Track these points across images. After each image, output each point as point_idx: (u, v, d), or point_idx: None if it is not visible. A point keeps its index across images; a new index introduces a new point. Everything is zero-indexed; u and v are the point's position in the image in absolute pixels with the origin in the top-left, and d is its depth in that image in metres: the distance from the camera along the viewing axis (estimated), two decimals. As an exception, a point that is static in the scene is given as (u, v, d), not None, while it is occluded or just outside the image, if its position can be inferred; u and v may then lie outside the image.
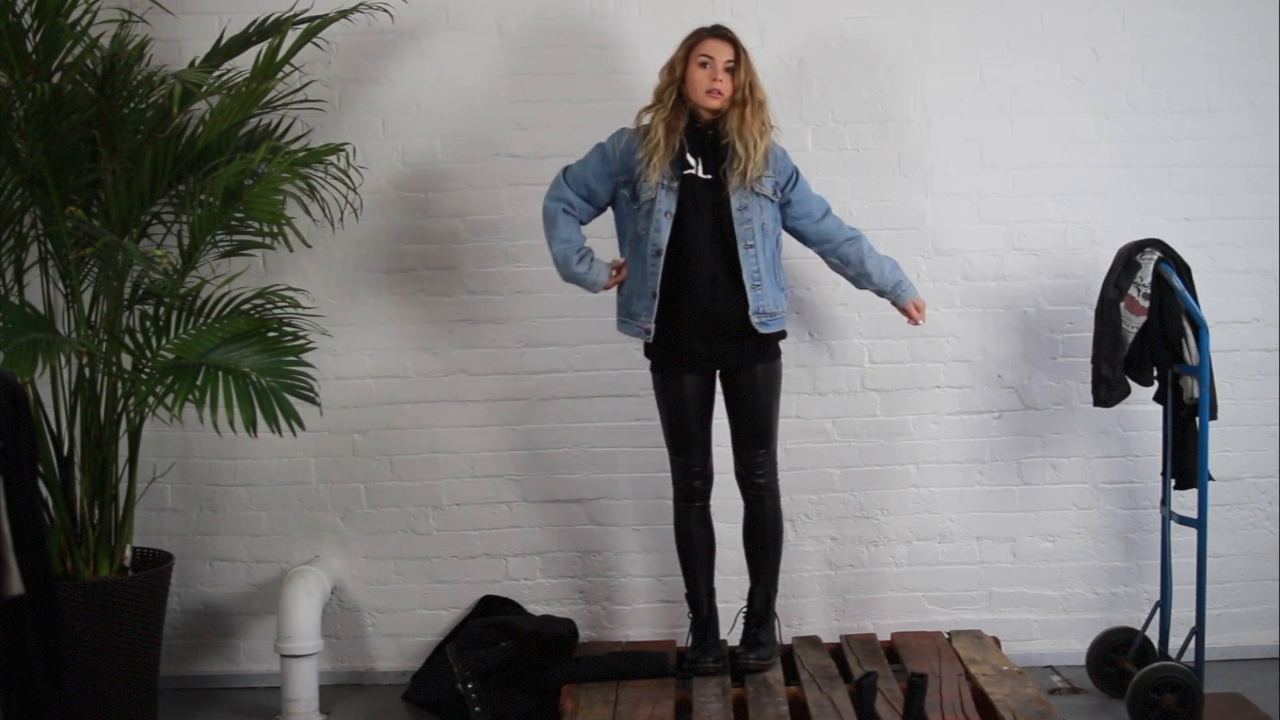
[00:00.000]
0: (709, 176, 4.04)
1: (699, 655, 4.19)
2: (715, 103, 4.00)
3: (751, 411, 4.10)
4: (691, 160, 4.04)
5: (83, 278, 4.20)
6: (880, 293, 4.23)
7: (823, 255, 4.24)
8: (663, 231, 4.01)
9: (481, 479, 4.71)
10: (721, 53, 4.01)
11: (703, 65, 4.01)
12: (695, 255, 4.01)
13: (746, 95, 4.01)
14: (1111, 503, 4.73)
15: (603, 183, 4.13)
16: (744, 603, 4.28)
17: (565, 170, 4.18)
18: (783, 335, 4.16)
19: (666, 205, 4.02)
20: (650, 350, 4.17)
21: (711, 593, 4.29)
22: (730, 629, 4.35)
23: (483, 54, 4.64)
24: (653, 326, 4.06)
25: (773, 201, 4.09)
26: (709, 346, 4.06)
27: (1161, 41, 4.65)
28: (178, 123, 4.11)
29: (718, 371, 4.15)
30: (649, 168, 4.01)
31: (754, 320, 4.03)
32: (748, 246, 4.03)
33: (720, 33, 4.06)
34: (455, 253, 4.68)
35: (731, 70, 4.01)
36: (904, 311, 4.23)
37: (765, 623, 4.23)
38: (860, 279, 4.23)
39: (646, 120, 4.08)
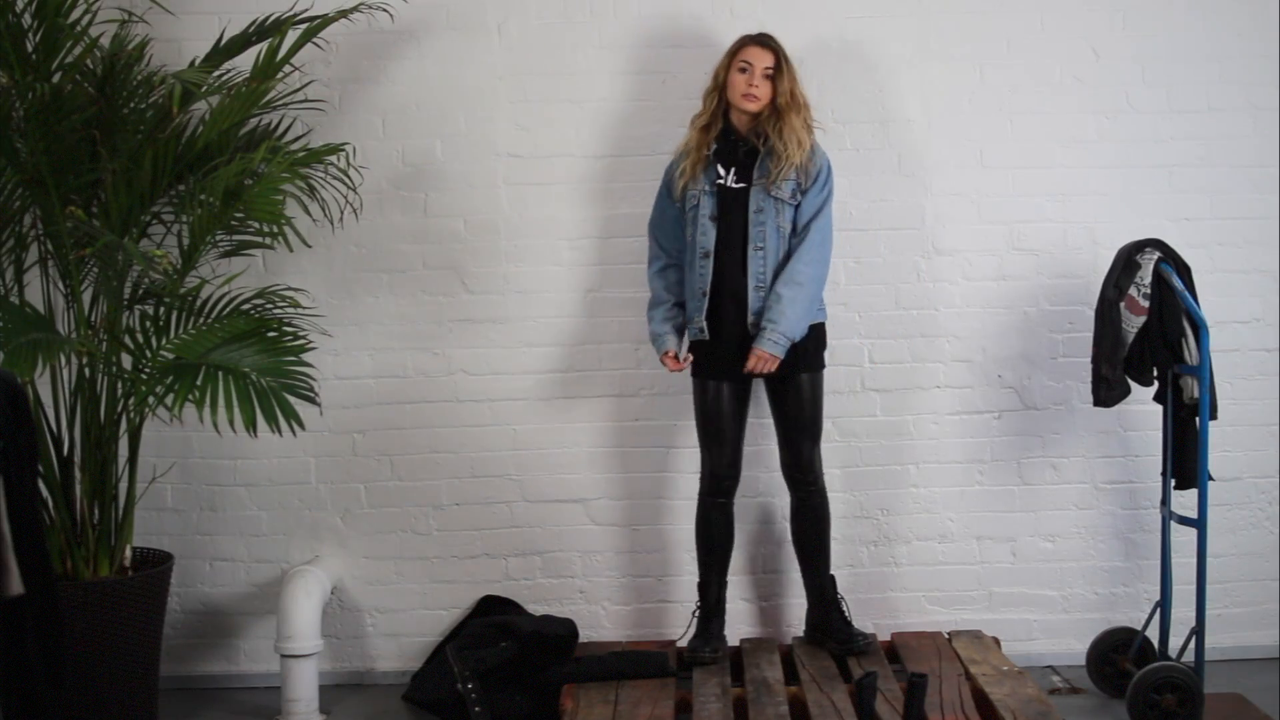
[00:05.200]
0: (740, 185, 4.19)
1: (699, 644, 4.30)
2: (751, 106, 4.18)
3: (796, 413, 4.26)
4: (721, 170, 4.20)
5: (83, 278, 4.20)
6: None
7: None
8: (709, 235, 4.19)
9: (481, 479, 4.71)
10: (761, 59, 4.18)
11: (742, 70, 4.19)
12: (729, 261, 4.18)
13: (787, 100, 4.18)
14: (1111, 503, 4.73)
15: (675, 211, 4.31)
16: (805, 598, 4.41)
17: (649, 226, 4.37)
18: (820, 343, 4.31)
19: (710, 209, 4.20)
20: (692, 353, 4.29)
21: (723, 585, 4.39)
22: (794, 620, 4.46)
23: (483, 54, 4.64)
24: (705, 324, 4.20)
25: (792, 206, 4.19)
26: (744, 353, 4.16)
27: (1161, 41, 4.65)
28: (178, 123, 4.11)
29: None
30: (680, 174, 4.23)
31: (749, 321, 4.16)
32: (757, 249, 4.16)
33: (762, 40, 4.24)
34: (455, 253, 4.67)
35: (771, 77, 4.18)
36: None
37: (840, 609, 4.37)
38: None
39: (691, 130, 4.27)
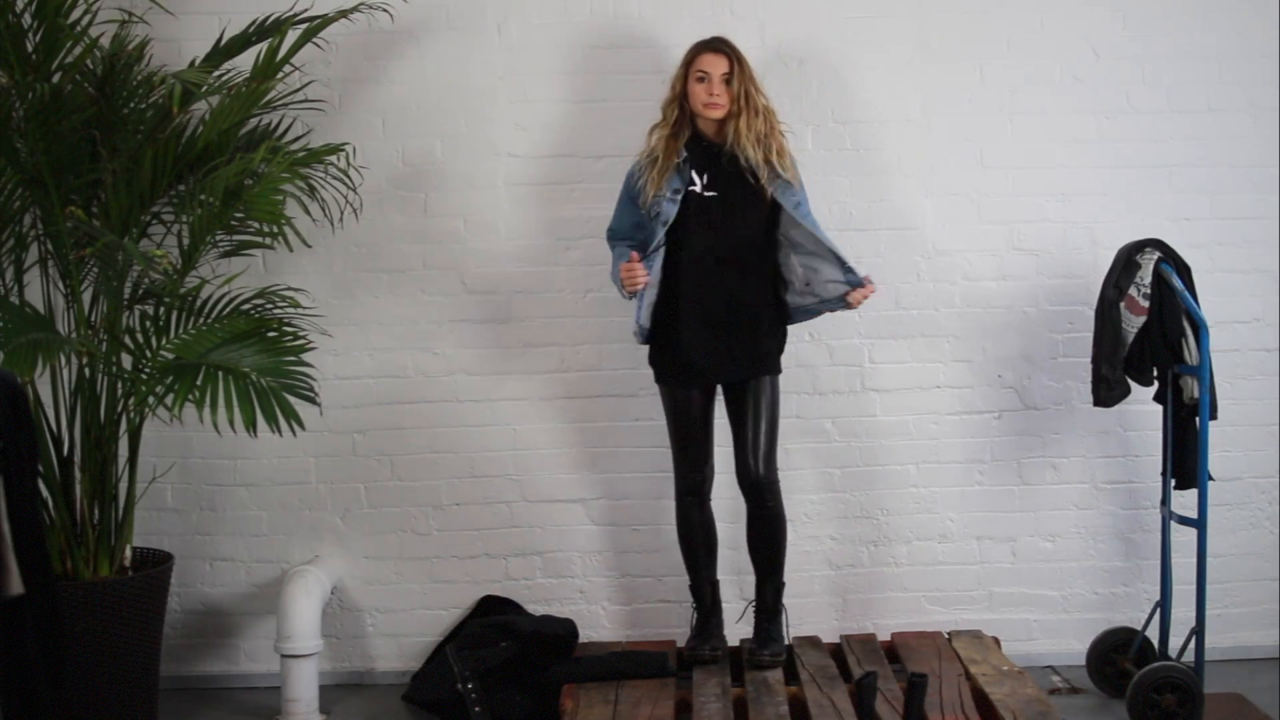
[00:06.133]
0: (713, 194, 4.14)
1: (697, 644, 4.30)
2: (715, 113, 4.12)
3: (754, 421, 4.19)
4: (695, 177, 4.15)
5: (83, 278, 4.20)
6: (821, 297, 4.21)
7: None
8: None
9: (481, 479, 4.71)
10: (717, 66, 4.12)
11: (700, 80, 4.13)
12: (694, 269, 4.14)
13: (741, 105, 4.11)
14: (1111, 503, 4.73)
15: (637, 217, 4.27)
16: (753, 598, 4.34)
17: (609, 233, 4.34)
18: (782, 345, 4.28)
19: (666, 215, 4.14)
20: (655, 361, 4.28)
21: (715, 584, 4.39)
22: (739, 618, 4.44)
23: (483, 54, 4.64)
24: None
25: (777, 208, 4.19)
26: (710, 360, 4.16)
27: (1161, 41, 4.65)
28: (178, 123, 4.11)
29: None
30: (647, 183, 4.17)
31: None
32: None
33: (715, 46, 4.16)
34: (455, 253, 4.67)
35: (729, 81, 4.11)
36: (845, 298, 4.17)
37: (776, 618, 4.30)
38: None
39: (653, 140, 4.21)
